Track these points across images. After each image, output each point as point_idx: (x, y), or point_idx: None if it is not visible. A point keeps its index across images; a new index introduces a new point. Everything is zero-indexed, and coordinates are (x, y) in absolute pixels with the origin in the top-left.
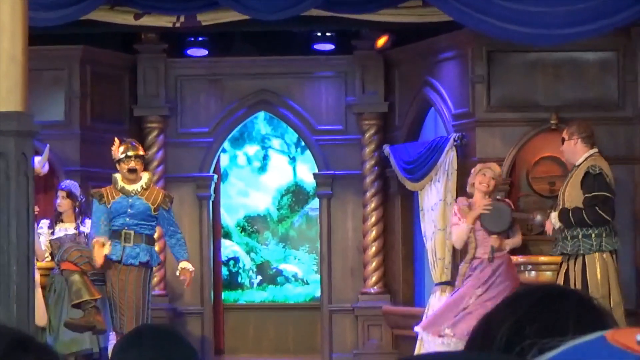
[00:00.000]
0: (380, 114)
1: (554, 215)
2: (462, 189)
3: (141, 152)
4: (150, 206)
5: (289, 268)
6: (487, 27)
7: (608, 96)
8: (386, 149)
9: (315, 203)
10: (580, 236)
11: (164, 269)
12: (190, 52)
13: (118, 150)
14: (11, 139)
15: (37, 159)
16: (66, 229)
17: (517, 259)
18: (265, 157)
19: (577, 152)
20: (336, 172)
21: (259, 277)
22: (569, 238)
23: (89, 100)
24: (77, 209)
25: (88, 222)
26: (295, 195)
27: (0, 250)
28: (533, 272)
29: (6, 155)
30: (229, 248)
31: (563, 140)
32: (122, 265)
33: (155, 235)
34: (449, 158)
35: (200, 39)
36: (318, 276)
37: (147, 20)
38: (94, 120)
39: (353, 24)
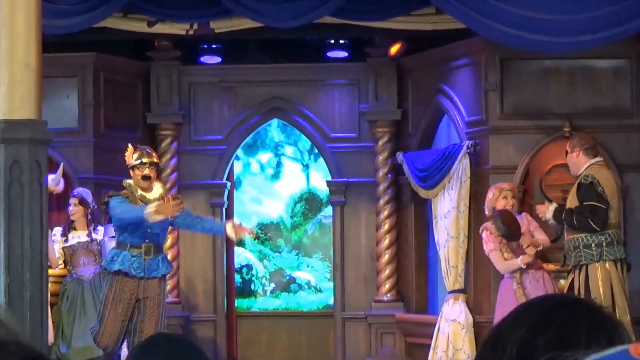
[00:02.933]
0: (393, 121)
1: (551, 206)
2: (475, 197)
3: (155, 160)
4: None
5: (302, 276)
6: (500, 35)
7: (621, 104)
8: (399, 156)
9: (328, 210)
10: (581, 247)
11: (177, 277)
12: (203, 59)
13: (132, 156)
14: (25, 146)
15: (50, 176)
16: (79, 236)
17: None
18: (279, 165)
19: (579, 163)
20: (349, 180)
21: (272, 285)
22: (572, 249)
23: (102, 108)
24: (89, 216)
25: (100, 229)
26: (309, 203)
27: (14, 257)
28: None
29: (20, 163)
30: (242, 255)
31: (566, 153)
32: (144, 280)
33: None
34: (462, 166)
35: (213, 46)
36: (331, 284)
37: (160, 28)
38: (107, 128)
39: (366, 32)
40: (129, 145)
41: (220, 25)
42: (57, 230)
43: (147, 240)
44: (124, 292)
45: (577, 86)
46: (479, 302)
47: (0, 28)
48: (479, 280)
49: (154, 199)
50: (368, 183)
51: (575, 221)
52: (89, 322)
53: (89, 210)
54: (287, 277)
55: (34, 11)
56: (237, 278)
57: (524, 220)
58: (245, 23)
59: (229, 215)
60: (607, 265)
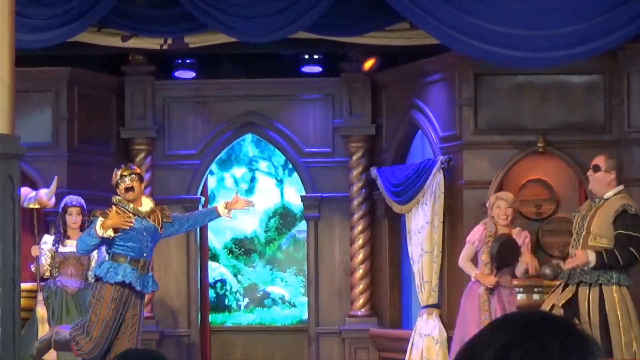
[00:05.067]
0: (367, 136)
1: (592, 255)
2: (449, 212)
3: (137, 170)
4: (157, 228)
5: (276, 290)
6: (474, 50)
7: (595, 119)
8: (373, 171)
9: (302, 225)
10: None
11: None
12: (177, 74)
13: (115, 175)
14: None
15: (43, 191)
16: (72, 246)
17: (525, 282)
18: (253, 180)
19: (610, 186)
20: (323, 195)
21: (246, 300)
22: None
23: (76, 122)
24: (85, 224)
25: None
26: (283, 218)
27: None
28: (537, 295)
29: None
30: (216, 270)
31: (597, 168)
32: (136, 295)
33: None
34: (436, 181)
35: (187, 61)
36: (305, 299)
37: (134, 42)
38: (82, 142)
39: (340, 47)
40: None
41: (194, 40)
42: (48, 238)
43: (144, 255)
44: (119, 303)
45: (551, 101)
46: (453, 317)
47: None
48: (452, 295)
49: (146, 212)
50: (342, 198)
51: (619, 255)
52: None
53: (85, 218)
54: (261, 292)
55: (7, 25)
56: (211, 293)
57: (520, 235)
58: (219, 38)
59: (203, 231)
60: (622, 289)
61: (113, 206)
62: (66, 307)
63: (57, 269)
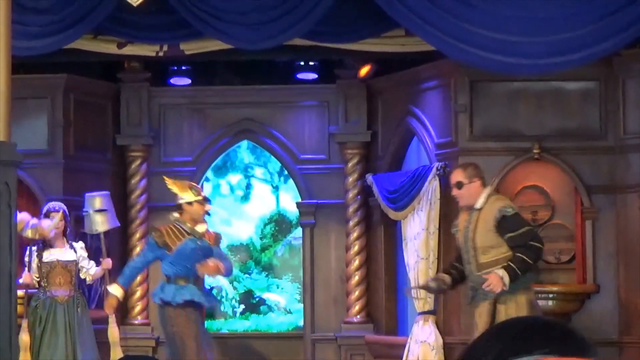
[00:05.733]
0: (363, 143)
1: (501, 271)
2: (444, 218)
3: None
4: (212, 247)
5: (272, 297)
6: (470, 57)
7: (590, 126)
8: (369, 178)
9: (298, 232)
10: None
11: (147, 298)
12: (173, 81)
13: (186, 192)
14: None
15: (46, 222)
16: (56, 253)
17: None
18: (248, 186)
19: (478, 194)
20: (319, 201)
21: (242, 306)
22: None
23: (72, 129)
24: (67, 230)
25: (77, 245)
26: (278, 225)
27: None
28: (549, 302)
29: None
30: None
31: (460, 185)
32: (199, 309)
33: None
34: (432, 187)
35: (183, 68)
36: (301, 305)
37: (130, 49)
38: (77, 149)
39: (336, 54)
40: (169, 180)
41: (190, 47)
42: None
43: (194, 273)
44: (196, 321)
45: (546, 108)
46: (449, 324)
47: None
48: (448, 302)
49: (201, 233)
50: (338, 205)
51: (528, 258)
52: (58, 349)
53: (68, 225)
54: (257, 299)
55: (4, 33)
56: None
57: None
58: (215, 45)
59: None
60: (524, 295)
61: (171, 225)
62: (53, 316)
63: (45, 280)
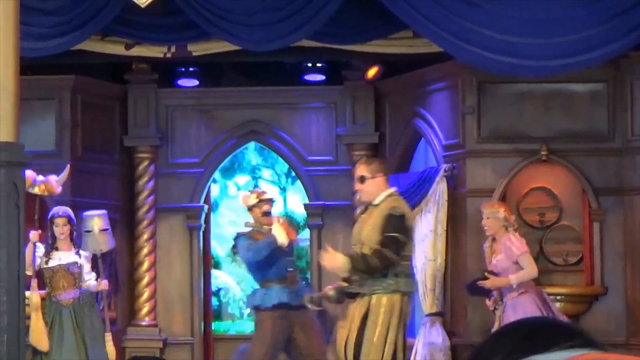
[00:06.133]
0: (370, 144)
1: (343, 258)
2: (452, 220)
3: (269, 195)
4: (293, 241)
5: None
6: (477, 58)
7: (598, 127)
8: None
9: (305, 233)
10: (378, 275)
11: (155, 299)
12: (180, 82)
13: (249, 199)
14: (2, 169)
15: (53, 177)
16: (60, 258)
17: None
18: (256, 188)
19: (380, 191)
20: (326, 203)
21: (249, 308)
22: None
23: (79, 130)
24: (74, 234)
25: (83, 254)
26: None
27: None
28: (557, 304)
29: None
30: (219, 278)
31: (363, 179)
32: (295, 310)
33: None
34: (440, 189)
35: (190, 69)
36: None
37: (138, 51)
38: (85, 151)
39: (343, 55)
40: (241, 191)
41: (197, 48)
42: (40, 247)
43: (289, 270)
44: (284, 325)
45: (554, 110)
46: (457, 325)
47: None
48: (456, 303)
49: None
50: (345, 206)
51: (371, 262)
52: (68, 351)
53: (73, 228)
54: None
55: (12, 34)
56: (214, 301)
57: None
58: (222, 46)
59: (206, 239)
60: (395, 296)
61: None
62: (59, 320)
63: (49, 286)
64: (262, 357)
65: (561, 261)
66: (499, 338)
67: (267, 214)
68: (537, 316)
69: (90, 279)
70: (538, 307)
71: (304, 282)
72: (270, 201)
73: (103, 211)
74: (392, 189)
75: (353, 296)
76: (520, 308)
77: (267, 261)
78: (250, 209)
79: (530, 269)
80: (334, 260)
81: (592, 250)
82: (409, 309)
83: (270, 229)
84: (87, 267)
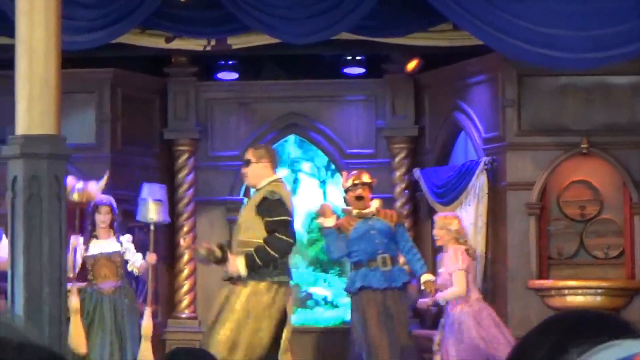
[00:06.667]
0: (410, 137)
1: (239, 259)
2: (492, 213)
3: (366, 180)
4: (391, 226)
5: (319, 291)
6: (517, 51)
7: (639, 120)
8: (416, 172)
9: None
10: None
11: (194, 292)
12: (220, 75)
13: (346, 181)
14: (44, 161)
15: (92, 184)
16: (102, 246)
17: (541, 283)
18: (295, 181)
19: (264, 176)
20: None
21: None
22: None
23: (119, 124)
24: (114, 223)
25: (124, 238)
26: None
27: (33, 272)
28: (597, 297)
29: (39, 178)
30: None
31: (248, 162)
32: (386, 291)
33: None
34: (480, 182)
35: (230, 62)
36: (348, 299)
37: (178, 44)
38: (125, 144)
39: (383, 48)
40: (344, 172)
41: (237, 41)
42: (79, 239)
43: (380, 253)
44: (379, 306)
45: (595, 103)
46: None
47: (19, 45)
48: (497, 296)
49: (371, 212)
50: (385, 199)
51: (272, 250)
52: (105, 341)
53: (115, 217)
54: (304, 293)
55: (53, 27)
56: None
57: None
58: (262, 39)
59: None
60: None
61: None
62: (100, 309)
63: (91, 273)
64: (370, 340)
65: (602, 255)
66: (544, 330)
67: (359, 198)
68: (582, 308)
69: (136, 260)
70: (477, 324)
71: (397, 267)
72: (364, 185)
73: (162, 185)
74: (277, 176)
75: (222, 262)
76: (456, 325)
77: (357, 245)
78: (345, 191)
79: (457, 288)
80: (232, 265)
81: (633, 244)
82: (285, 300)
83: (363, 215)
84: (131, 248)
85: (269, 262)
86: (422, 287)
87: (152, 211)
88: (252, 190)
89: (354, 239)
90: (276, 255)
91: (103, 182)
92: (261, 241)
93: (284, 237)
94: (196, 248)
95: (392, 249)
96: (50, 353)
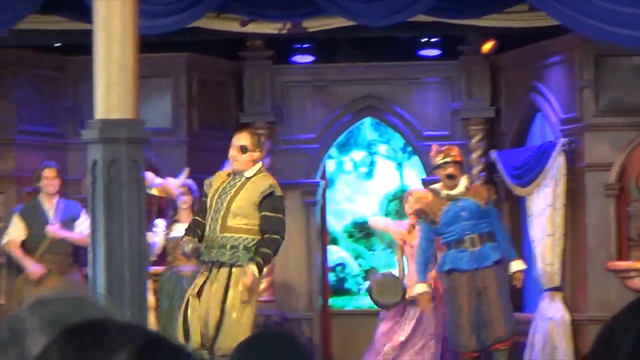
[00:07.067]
0: (486, 119)
1: (254, 269)
2: (570, 194)
3: (458, 158)
4: (479, 203)
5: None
6: (595, 31)
7: None
8: (493, 154)
9: None
10: (241, 248)
11: (272, 276)
12: (295, 58)
13: (436, 157)
14: (123, 146)
15: (172, 180)
16: (182, 229)
17: (620, 264)
18: (372, 163)
19: (252, 164)
20: None
21: (367, 283)
22: (227, 247)
23: (195, 108)
24: (195, 206)
25: None
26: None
27: (114, 257)
28: (637, 279)
29: (118, 163)
30: (336, 254)
31: (245, 149)
32: (476, 272)
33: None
34: (557, 163)
35: (305, 45)
36: None
37: (253, 27)
38: (201, 128)
39: (459, 30)
40: (433, 146)
41: (312, 24)
42: (160, 222)
43: (467, 234)
44: (470, 288)
45: None
46: (576, 300)
47: (97, 29)
48: (575, 278)
49: (460, 193)
50: None
51: (270, 250)
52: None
53: (195, 199)
54: None
55: (130, 12)
56: (332, 276)
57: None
58: (337, 22)
59: (323, 214)
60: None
61: (429, 193)
62: (180, 292)
63: (171, 256)
64: (456, 323)
65: None
66: (630, 312)
67: (450, 177)
68: None
69: None
70: None
71: (489, 246)
72: (456, 163)
73: None
74: (261, 163)
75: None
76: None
77: (447, 228)
78: (436, 168)
79: None
80: (250, 276)
81: None
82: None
83: (450, 192)
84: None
85: (268, 262)
86: (513, 277)
87: None
88: (236, 176)
89: (443, 225)
90: (272, 254)
91: (182, 177)
92: (253, 234)
93: (279, 238)
94: (188, 240)
95: (481, 228)
96: (155, 334)
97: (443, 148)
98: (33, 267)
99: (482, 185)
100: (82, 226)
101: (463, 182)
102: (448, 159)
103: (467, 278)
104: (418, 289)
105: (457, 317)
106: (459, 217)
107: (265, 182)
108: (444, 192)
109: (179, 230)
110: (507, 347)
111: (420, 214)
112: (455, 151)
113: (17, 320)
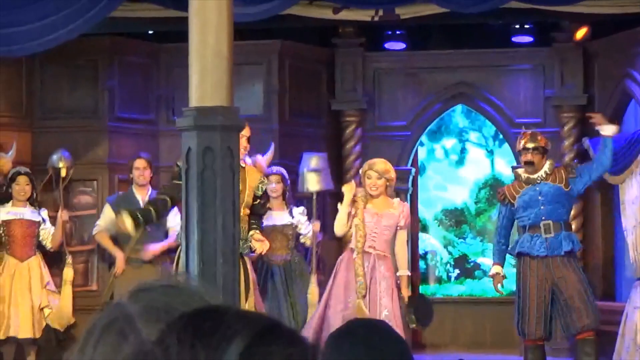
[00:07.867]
0: (579, 106)
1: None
2: None
3: (542, 144)
4: (561, 186)
5: (486, 262)
6: None
7: None
8: (586, 142)
9: None
10: None
11: None
12: (388, 45)
13: (519, 142)
14: (217, 133)
15: (260, 156)
16: (274, 217)
17: None
18: (463, 151)
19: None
20: None
21: (457, 271)
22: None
23: (287, 95)
24: (287, 194)
25: (297, 210)
26: (493, 189)
27: (207, 244)
28: None
29: (212, 150)
30: (426, 241)
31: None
32: (548, 259)
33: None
34: None
35: (398, 32)
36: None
37: (345, 14)
38: (292, 115)
39: (552, 16)
40: (523, 132)
41: (405, 11)
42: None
43: (543, 219)
44: (541, 275)
45: None
46: None
47: (192, 17)
48: None
49: (538, 178)
50: (554, 168)
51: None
52: (281, 309)
53: (287, 188)
54: (472, 263)
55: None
56: (422, 264)
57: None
58: (430, 9)
59: (413, 202)
60: None
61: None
62: (271, 280)
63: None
64: (522, 309)
65: None
66: None
67: (528, 163)
68: None
69: (308, 232)
70: None
71: (565, 233)
72: (535, 150)
73: (322, 153)
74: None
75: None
76: None
77: (523, 211)
78: (519, 153)
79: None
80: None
81: None
82: None
83: (531, 181)
84: (303, 221)
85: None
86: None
87: (308, 181)
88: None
89: (519, 207)
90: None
91: (269, 154)
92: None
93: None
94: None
95: (559, 215)
96: (272, 320)
97: (526, 134)
98: (119, 262)
99: (562, 167)
100: (174, 221)
101: (545, 167)
102: (529, 145)
103: (537, 264)
104: (493, 269)
105: (524, 304)
106: (536, 201)
107: (257, 178)
108: (524, 175)
109: (270, 219)
110: (593, 337)
111: (498, 195)
112: (537, 137)
113: (120, 308)
